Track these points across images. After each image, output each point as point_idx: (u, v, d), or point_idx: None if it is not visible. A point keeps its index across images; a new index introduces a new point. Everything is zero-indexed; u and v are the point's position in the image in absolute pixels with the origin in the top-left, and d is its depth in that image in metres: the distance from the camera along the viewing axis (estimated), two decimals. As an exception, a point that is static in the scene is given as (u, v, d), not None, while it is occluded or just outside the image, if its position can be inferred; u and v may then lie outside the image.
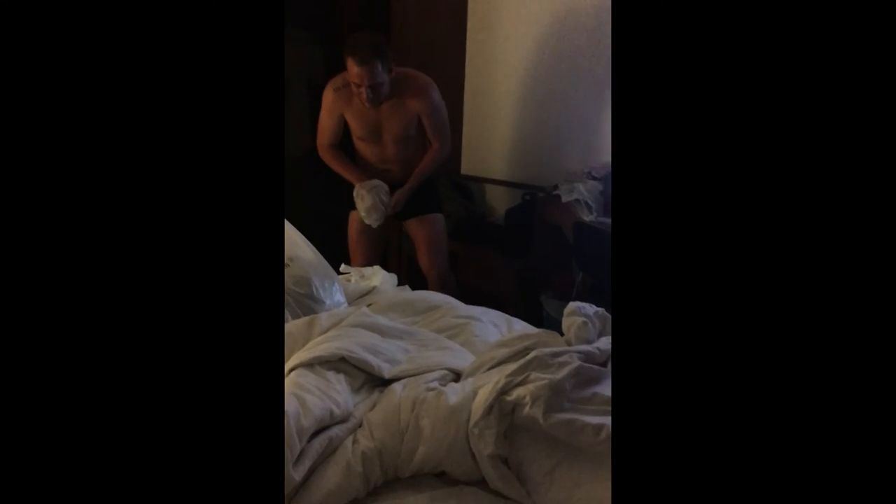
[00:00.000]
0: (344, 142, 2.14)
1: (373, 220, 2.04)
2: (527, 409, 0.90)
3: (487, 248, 2.50)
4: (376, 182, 2.04)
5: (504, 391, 0.94)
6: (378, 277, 1.66)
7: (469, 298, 1.64)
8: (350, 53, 1.85)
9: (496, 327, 1.45)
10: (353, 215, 2.15)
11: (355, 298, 1.55)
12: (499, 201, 2.72)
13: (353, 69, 1.85)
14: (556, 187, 2.34)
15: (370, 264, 1.92)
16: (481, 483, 0.95)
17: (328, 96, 2.04)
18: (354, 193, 2.05)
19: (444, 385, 1.06)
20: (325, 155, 2.11)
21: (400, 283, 1.72)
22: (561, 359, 0.97)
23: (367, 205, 2.01)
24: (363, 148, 2.10)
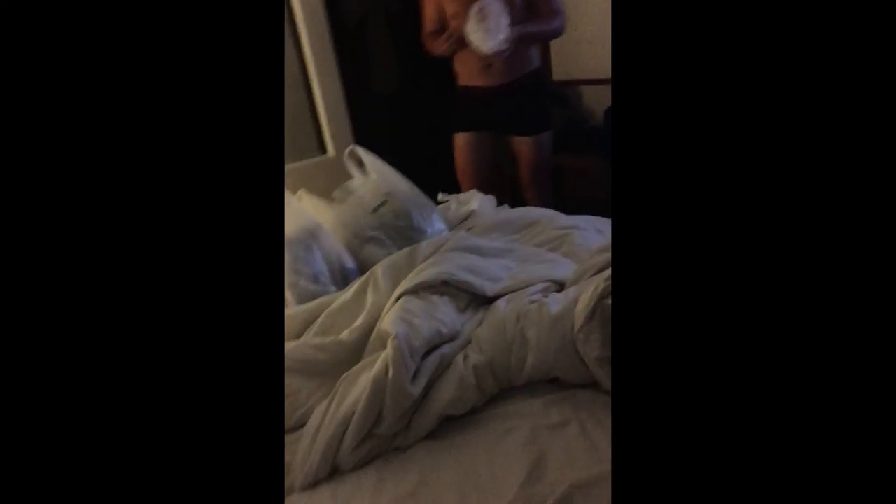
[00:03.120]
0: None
1: (500, 41, 1.66)
2: (629, 309, 0.88)
3: (593, 156, 2.39)
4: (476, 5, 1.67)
5: (605, 295, 0.92)
6: (476, 201, 1.67)
7: (581, 210, 1.57)
8: None
9: (600, 233, 1.41)
10: (457, 139, 2.01)
11: (456, 224, 1.57)
12: (598, 103, 2.56)
13: None
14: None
15: (484, 185, 1.84)
16: (594, 386, 0.96)
17: None
18: (471, 14, 1.67)
19: (547, 296, 1.07)
20: (431, 41, 1.88)
21: (500, 204, 1.72)
22: (663, 255, 0.92)
23: (493, 19, 1.64)
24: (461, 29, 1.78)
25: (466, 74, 1.94)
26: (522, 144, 1.99)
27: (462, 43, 1.78)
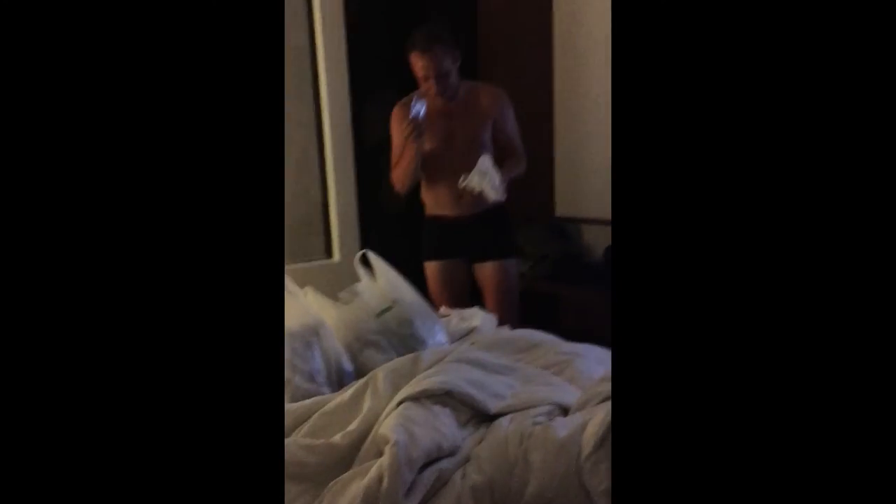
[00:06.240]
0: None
1: (502, 192, 1.83)
2: (641, 439, 0.86)
3: (587, 290, 2.44)
4: (482, 160, 1.82)
5: (615, 422, 0.90)
6: (478, 318, 1.67)
7: (573, 341, 1.58)
8: (410, 47, 1.81)
9: (601, 364, 1.39)
10: (429, 268, 2.03)
11: (456, 339, 1.56)
12: (596, 241, 2.67)
13: (417, 62, 1.80)
14: (656, 222, 2.26)
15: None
16: (597, 522, 0.90)
17: (396, 114, 1.93)
18: (474, 175, 1.80)
19: (552, 419, 1.04)
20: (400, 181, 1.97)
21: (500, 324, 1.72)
22: (675, 387, 0.91)
23: (493, 177, 1.80)
24: (435, 164, 1.92)
25: (435, 204, 2.00)
26: (488, 269, 2.00)
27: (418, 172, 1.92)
